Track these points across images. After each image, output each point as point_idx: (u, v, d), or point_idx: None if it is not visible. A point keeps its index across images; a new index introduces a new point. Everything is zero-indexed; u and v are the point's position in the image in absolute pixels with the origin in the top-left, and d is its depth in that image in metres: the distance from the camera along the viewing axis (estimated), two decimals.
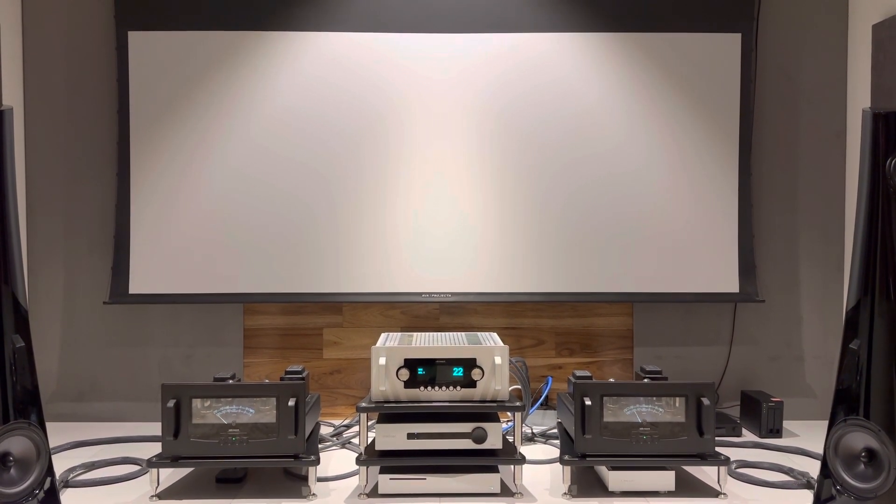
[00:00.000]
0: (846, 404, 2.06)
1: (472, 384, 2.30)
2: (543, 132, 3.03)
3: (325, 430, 2.94)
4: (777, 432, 2.89)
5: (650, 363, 3.09)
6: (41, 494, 2.02)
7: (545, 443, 2.83)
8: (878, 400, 2.01)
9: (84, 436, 2.88)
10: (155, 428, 2.71)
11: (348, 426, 2.99)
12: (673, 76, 3.04)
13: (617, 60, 3.03)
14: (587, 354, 3.20)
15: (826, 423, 2.10)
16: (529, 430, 2.87)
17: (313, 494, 2.28)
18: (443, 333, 2.64)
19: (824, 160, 3.16)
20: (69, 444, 2.77)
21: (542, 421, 2.98)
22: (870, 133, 2.05)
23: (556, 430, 2.84)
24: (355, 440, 2.80)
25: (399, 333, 2.64)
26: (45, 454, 2.03)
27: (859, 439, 2.02)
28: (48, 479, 2.04)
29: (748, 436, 2.91)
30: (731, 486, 2.35)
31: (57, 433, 2.90)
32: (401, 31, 3.01)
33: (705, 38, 3.03)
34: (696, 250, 3.05)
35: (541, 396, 3.04)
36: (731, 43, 3.03)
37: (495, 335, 2.53)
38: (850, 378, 2.06)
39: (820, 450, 2.12)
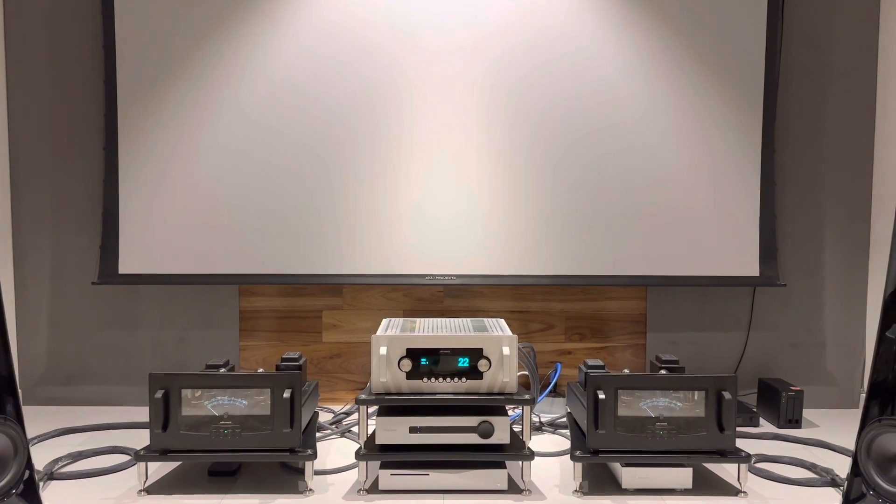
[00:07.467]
0: (881, 399, 1.92)
1: (479, 375, 2.17)
2: (555, 105, 2.86)
3: (324, 417, 2.82)
4: (796, 422, 2.76)
5: (664, 349, 2.96)
6: (21, 487, 1.90)
7: (553, 432, 2.70)
8: None
9: (72, 420, 2.77)
10: (146, 413, 2.61)
11: (348, 413, 2.87)
12: (694, 45, 2.85)
13: (635, 28, 2.84)
14: (598, 339, 3.07)
15: (848, 411, 1.98)
16: (537, 419, 2.74)
17: (310, 490, 2.16)
18: (447, 320, 2.50)
19: (852, 136, 2.99)
20: (56, 431, 2.65)
21: (551, 409, 2.86)
22: None
23: (564, 420, 2.71)
24: (355, 428, 2.68)
25: (401, 319, 2.50)
26: (22, 450, 1.90)
27: (895, 441, 1.89)
28: (27, 472, 1.92)
29: (766, 426, 2.78)
30: (751, 482, 2.23)
31: (44, 418, 2.80)
32: None
33: (729, 3, 2.84)
34: (714, 231, 2.89)
35: (550, 383, 2.92)
36: (756, 9, 2.84)
37: (503, 322, 2.39)
38: (886, 369, 1.92)
39: (842, 441, 2.01)
